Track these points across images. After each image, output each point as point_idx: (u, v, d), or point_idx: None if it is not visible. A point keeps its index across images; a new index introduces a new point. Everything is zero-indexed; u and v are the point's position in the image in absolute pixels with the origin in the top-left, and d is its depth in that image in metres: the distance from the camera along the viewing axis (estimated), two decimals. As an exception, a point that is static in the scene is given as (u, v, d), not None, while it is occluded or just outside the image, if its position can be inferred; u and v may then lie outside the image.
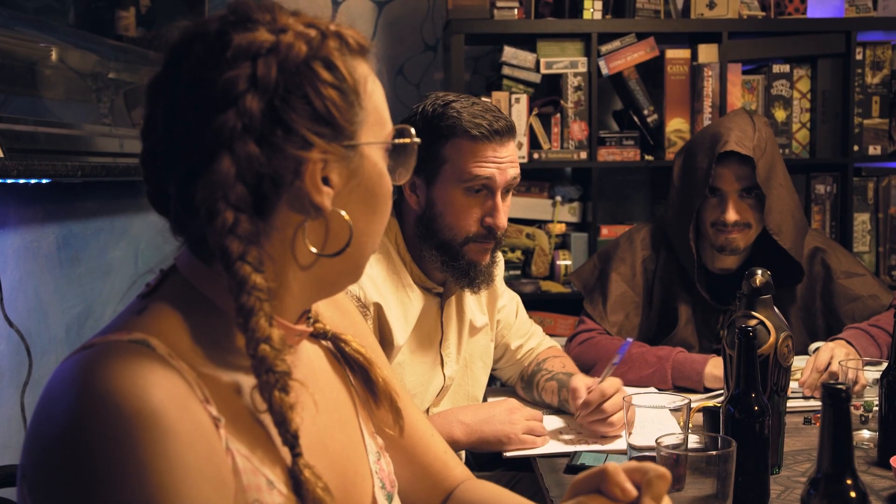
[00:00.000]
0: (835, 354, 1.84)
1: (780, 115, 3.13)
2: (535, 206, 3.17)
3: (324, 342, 1.01)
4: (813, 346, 2.03)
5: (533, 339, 1.99)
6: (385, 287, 1.64)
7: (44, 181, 1.76)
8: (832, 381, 1.00)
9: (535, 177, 3.18)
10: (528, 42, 3.08)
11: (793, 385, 1.71)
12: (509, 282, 2.58)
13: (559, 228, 3.16)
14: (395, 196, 1.36)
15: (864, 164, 3.21)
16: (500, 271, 1.90)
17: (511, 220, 3.11)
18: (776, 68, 3.13)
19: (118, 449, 0.71)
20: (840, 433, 0.98)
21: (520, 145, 3.02)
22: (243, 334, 0.79)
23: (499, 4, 3.00)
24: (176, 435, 0.73)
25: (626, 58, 3.06)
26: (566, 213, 3.18)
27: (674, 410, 1.47)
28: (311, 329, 0.94)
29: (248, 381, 0.83)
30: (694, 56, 3.09)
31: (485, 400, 1.92)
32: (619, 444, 1.62)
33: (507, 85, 3.05)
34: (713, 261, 2.14)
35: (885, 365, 1.51)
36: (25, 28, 1.78)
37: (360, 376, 1.03)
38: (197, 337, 0.82)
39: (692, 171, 2.07)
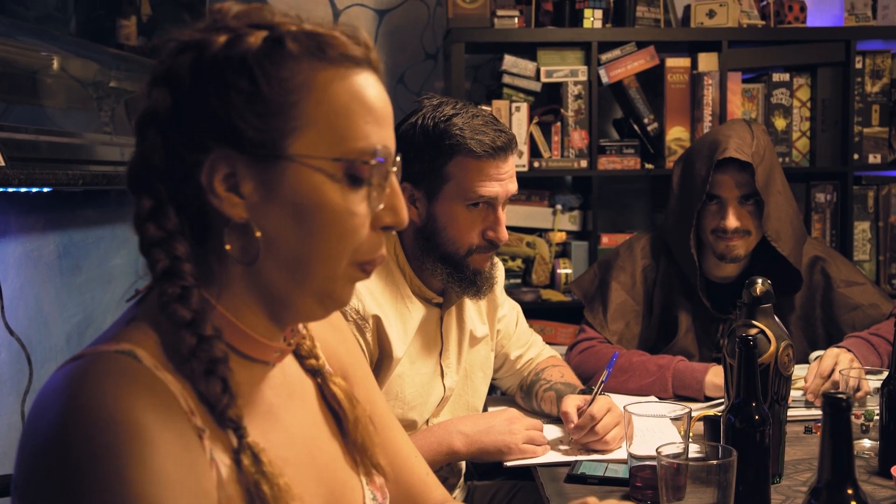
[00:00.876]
0: (839, 361, 1.84)
1: (779, 123, 3.14)
2: (536, 215, 3.18)
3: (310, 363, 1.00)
4: (813, 354, 2.03)
5: (533, 349, 1.99)
6: (383, 299, 1.64)
7: (45, 190, 1.76)
8: (833, 391, 1.00)
9: (536, 185, 3.18)
10: (528, 51, 3.08)
11: (793, 394, 1.71)
12: (509, 290, 2.58)
13: (559, 237, 3.16)
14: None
15: (864, 173, 3.22)
16: (500, 281, 1.90)
17: (511, 229, 3.12)
18: (776, 77, 3.13)
19: (99, 460, 0.71)
20: (841, 442, 0.98)
21: (520, 154, 3.02)
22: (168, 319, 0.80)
23: (499, 13, 3.01)
24: (157, 446, 0.73)
25: (626, 66, 3.06)
26: (566, 222, 3.18)
27: (674, 419, 1.46)
28: (290, 349, 0.92)
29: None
30: (694, 65, 3.09)
31: (485, 410, 1.92)
32: (620, 454, 1.62)
33: (508, 93, 3.06)
34: (713, 269, 2.14)
35: (885, 374, 1.51)
36: (26, 37, 1.78)
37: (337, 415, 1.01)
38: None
39: (691, 178, 2.08)
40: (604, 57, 3.05)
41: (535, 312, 3.00)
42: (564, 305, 3.06)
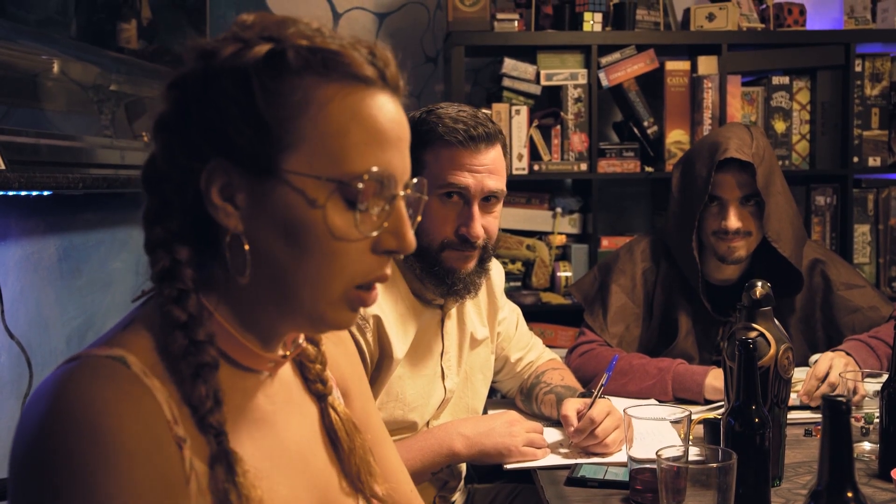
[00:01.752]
0: (834, 364, 1.84)
1: (779, 126, 3.14)
2: (536, 218, 3.18)
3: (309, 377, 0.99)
4: (813, 357, 2.03)
5: (533, 352, 1.99)
6: (384, 300, 1.64)
7: (45, 193, 1.76)
8: (832, 394, 1.00)
9: (536, 188, 3.18)
10: (528, 54, 3.09)
11: (793, 397, 1.71)
12: (509, 293, 2.58)
13: (559, 240, 3.16)
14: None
15: (864, 176, 3.22)
16: (500, 283, 1.90)
17: (511, 232, 3.13)
18: (776, 80, 3.14)
19: (72, 464, 0.72)
20: (841, 445, 0.98)
21: (520, 157, 3.03)
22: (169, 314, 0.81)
23: (499, 16, 3.01)
24: (131, 455, 0.74)
25: (626, 70, 3.06)
26: (566, 225, 3.18)
27: (674, 422, 1.46)
28: (285, 361, 0.91)
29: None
30: (694, 68, 3.10)
31: (485, 412, 1.92)
32: (620, 457, 1.62)
33: (508, 97, 3.06)
34: (714, 272, 2.14)
35: (885, 377, 1.51)
36: (27, 40, 1.78)
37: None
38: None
39: (692, 180, 2.08)
40: (604, 60, 3.06)
41: (535, 315, 3.00)
42: (564, 308, 3.06)
